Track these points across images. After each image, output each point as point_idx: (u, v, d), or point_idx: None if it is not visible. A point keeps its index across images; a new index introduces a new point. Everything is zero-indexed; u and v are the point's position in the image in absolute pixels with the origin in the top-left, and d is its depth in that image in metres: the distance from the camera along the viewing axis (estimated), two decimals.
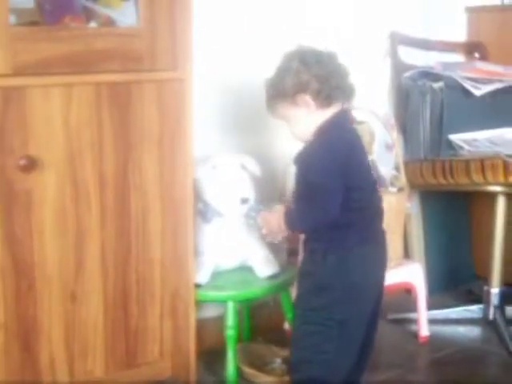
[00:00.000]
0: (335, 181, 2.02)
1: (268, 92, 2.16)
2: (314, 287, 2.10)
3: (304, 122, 2.11)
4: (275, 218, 2.17)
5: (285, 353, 2.59)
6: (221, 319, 2.48)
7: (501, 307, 2.95)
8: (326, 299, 2.07)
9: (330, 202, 2.02)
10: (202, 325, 2.52)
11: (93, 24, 2.24)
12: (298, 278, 2.22)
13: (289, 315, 2.63)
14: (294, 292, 2.73)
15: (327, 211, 2.03)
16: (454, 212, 3.37)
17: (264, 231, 2.26)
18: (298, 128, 2.13)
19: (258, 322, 2.76)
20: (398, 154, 2.89)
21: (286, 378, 2.47)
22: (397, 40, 3.12)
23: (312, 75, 2.07)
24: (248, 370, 2.52)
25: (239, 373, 2.48)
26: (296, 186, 2.14)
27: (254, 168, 2.55)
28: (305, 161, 2.07)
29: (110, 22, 2.27)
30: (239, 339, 2.52)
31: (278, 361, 2.55)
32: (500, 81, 3.09)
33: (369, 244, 2.11)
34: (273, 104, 2.16)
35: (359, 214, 2.09)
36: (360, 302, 2.11)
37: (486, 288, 2.98)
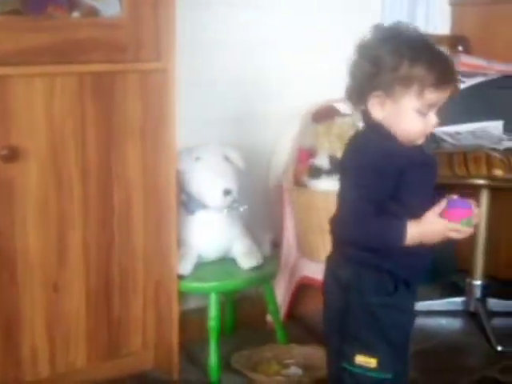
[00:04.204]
0: None
1: None
2: None
3: None
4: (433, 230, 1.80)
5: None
6: (203, 310, 2.48)
7: (483, 299, 2.96)
8: None
9: None
10: (184, 316, 2.52)
11: (76, 14, 2.23)
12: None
13: (271, 307, 2.64)
14: (278, 288, 2.74)
15: None
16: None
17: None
18: None
19: (241, 313, 2.76)
20: None
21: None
22: None
23: None
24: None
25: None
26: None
27: (238, 160, 2.55)
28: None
29: (93, 12, 2.26)
30: (222, 331, 2.53)
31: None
32: (483, 74, 3.08)
33: None
34: None
35: None
36: None
37: (468, 280, 3.00)
